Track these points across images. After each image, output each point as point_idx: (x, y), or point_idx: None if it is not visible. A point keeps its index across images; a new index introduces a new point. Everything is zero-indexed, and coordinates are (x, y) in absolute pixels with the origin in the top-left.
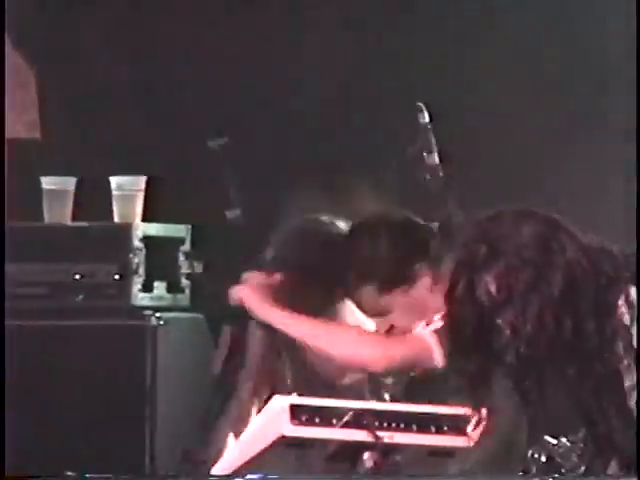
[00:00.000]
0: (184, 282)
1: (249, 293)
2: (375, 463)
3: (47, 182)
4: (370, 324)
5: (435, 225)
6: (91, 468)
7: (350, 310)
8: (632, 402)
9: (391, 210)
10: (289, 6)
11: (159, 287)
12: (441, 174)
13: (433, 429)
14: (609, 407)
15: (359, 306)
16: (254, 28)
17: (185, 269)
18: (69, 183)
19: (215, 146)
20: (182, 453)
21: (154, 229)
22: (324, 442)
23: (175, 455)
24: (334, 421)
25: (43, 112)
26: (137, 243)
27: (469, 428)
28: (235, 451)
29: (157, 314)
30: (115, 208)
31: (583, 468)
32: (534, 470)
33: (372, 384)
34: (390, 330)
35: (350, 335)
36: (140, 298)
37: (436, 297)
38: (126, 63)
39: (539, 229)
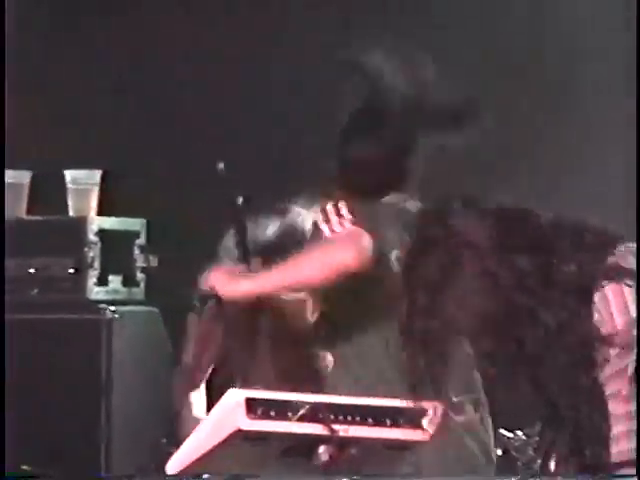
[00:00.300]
0: (139, 276)
1: (219, 276)
2: (331, 456)
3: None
4: None
5: None
6: (45, 462)
7: None
8: (603, 396)
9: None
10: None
11: (114, 281)
12: None
13: (389, 422)
14: (574, 400)
15: None
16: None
17: (140, 263)
18: (24, 177)
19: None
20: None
21: (109, 223)
22: (280, 436)
23: (130, 448)
24: (290, 414)
25: None
26: (92, 237)
27: (425, 421)
28: (191, 445)
29: (112, 308)
30: (70, 202)
31: (539, 462)
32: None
33: None
34: None
35: (320, 252)
36: (95, 292)
37: None
38: (79, 56)
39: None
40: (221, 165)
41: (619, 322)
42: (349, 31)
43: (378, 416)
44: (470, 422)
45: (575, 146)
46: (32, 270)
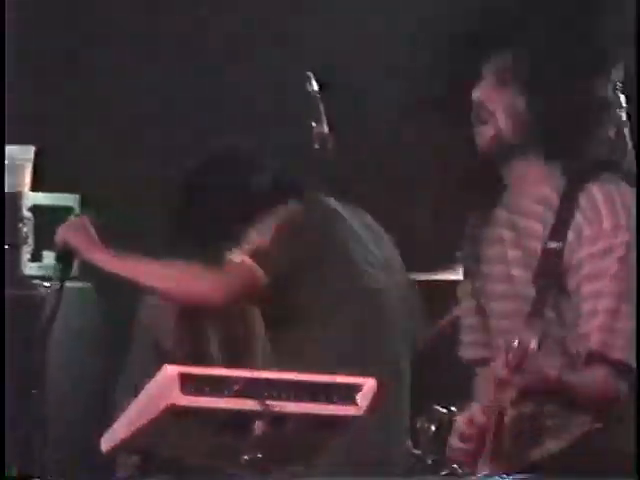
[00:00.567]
0: None
1: (74, 234)
2: (265, 432)
3: None
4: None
5: None
6: None
7: None
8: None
9: None
10: None
11: (48, 256)
12: (330, 143)
13: (323, 398)
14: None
15: None
16: None
17: None
18: None
19: None
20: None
21: (43, 198)
22: (214, 411)
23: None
24: (224, 390)
25: None
26: (26, 212)
27: (359, 397)
28: (124, 421)
29: (46, 283)
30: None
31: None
32: (423, 440)
33: None
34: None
35: (190, 270)
36: (29, 267)
37: None
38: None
39: None
40: None
41: (606, 224)
42: None
43: (312, 392)
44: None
45: None
46: None
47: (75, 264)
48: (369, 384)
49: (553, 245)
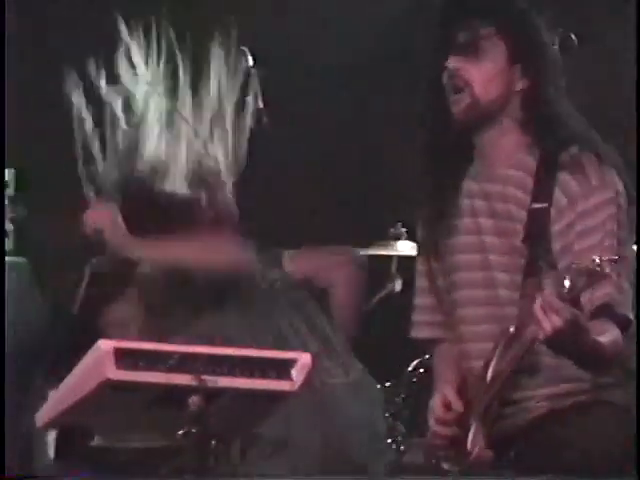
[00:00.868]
0: (8, 226)
1: (109, 223)
2: (200, 407)
3: None
4: None
5: None
6: None
7: None
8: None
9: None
10: None
11: None
12: (265, 118)
13: (258, 373)
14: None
15: None
16: None
17: (9, 213)
18: None
19: None
20: None
21: None
22: (149, 386)
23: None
24: (159, 365)
25: None
26: None
27: (294, 372)
28: (59, 396)
29: None
30: None
31: (408, 412)
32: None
33: None
34: None
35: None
36: None
37: None
38: None
39: None
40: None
41: (594, 180)
42: None
43: (248, 367)
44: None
45: None
46: None
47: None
48: (304, 359)
49: (538, 206)
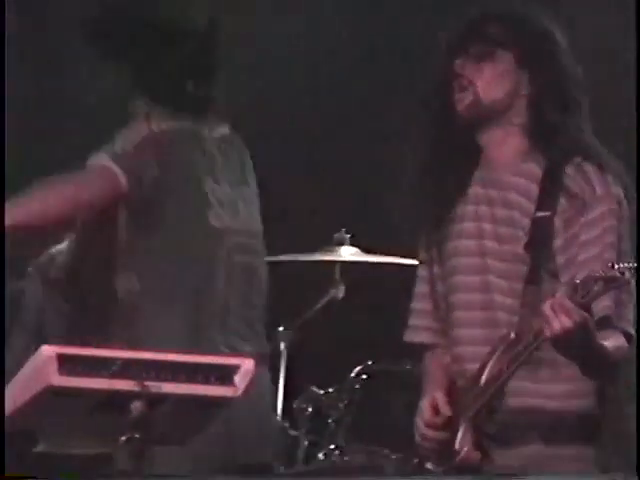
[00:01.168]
0: None
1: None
2: (142, 413)
3: None
4: None
5: None
6: None
7: None
8: None
9: None
10: None
11: None
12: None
13: (201, 379)
14: None
15: None
16: None
17: None
18: None
19: None
20: None
21: None
22: (92, 392)
23: None
24: (102, 371)
25: None
26: None
27: (237, 378)
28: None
29: None
30: None
31: (350, 418)
32: (301, 421)
33: None
34: None
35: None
36: None
37: None
38: None
39: None
40: None
41: (599, 190)
42: None
43: (190, 372)
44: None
45: None
46: None
47: None
48: (247, 365)
49: (542, 214)
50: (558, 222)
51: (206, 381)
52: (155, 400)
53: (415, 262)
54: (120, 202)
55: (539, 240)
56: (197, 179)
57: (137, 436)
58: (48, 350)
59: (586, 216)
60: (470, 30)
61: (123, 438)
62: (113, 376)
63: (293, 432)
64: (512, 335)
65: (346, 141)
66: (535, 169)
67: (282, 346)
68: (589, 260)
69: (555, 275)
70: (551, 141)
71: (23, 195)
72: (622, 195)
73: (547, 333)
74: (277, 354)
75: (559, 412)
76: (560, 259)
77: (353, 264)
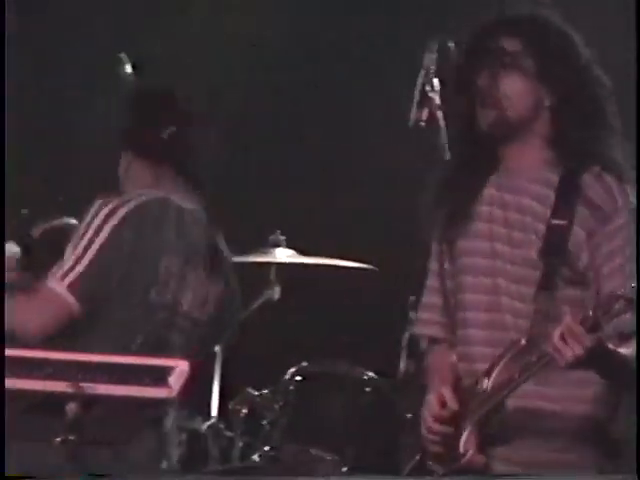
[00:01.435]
0: None
1: None
2: (77, 414)
3: None
4: None
5: None
6: None
7: None
8: None
9: None
10: None
11: None
12: None
13: (136, 380)
14: None
15: None
16: None
17: None
18: None
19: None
20: None
21: None
22: (27, 393)
23: None
24: (37, 372)
25: None
26: None
27: (171, 379)
28: None
29: None
30: None
31: (285, 420)
32: (236, 423)
33: None
34: None
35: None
36: None
37: None
38: None
39: None
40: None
41: (620, 201)
42: None
43: (125, 374)
44: None
45: None
46: None
47: None
48: (181, 366)
49: (558, 222)
50: (580, 232)
51: (141, 382)
52: (90, 402)
53: (350, 264)
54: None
55: (554, 247)
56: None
57: (72, 438)
58: None
59: (608, 227)
60: (488, 43)
61: (58, 439)
62: (48, 377)
63: (228, 433)
64: (523, 341)
65: (281, 142)
66: (552, 176)
67: (217, 347)
68: (613, 273)
69: (572, 283)
70: (570, 151)
71: None
72: (635, 202)
73: (560, 363)
74: (212, 355)
75: (560, 415)
76: (585, 269)
77: (288, 266)
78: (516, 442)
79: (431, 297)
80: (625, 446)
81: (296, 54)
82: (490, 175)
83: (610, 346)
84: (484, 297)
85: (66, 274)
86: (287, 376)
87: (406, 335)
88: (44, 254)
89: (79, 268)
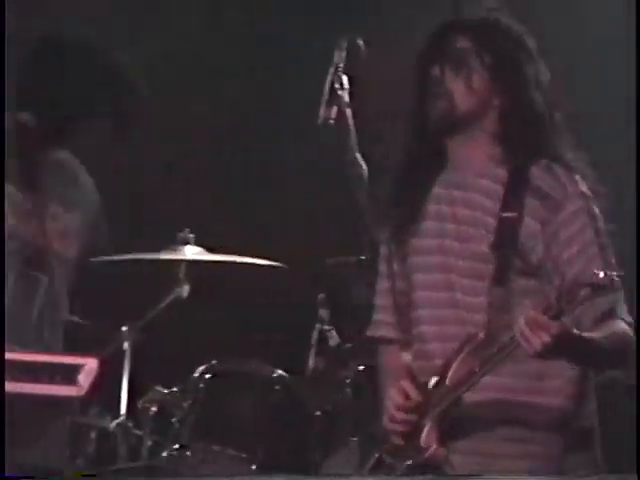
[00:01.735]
0: None
1: None
2: None
3: None
4: None
5: None
6: None
7: None
8: None
9: None
10: None
11: None
12: None
13: (45, 378)
14: None
15: None
16: None
17: None
18: None
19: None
20: None
21: None
22: None
23: None
24: None
25: None
26: None
27: (80, 377)
28: None
29: None
30: None
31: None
32: (145, 421)
33: None
34: None
35: None
36: None
37: None
38: None
39: None
40: None
41: (570, 189)
42: None
43: (34, 372)
44: None
45: None
46: None
47: None
48: (90, 364)
49: (508, 214)
50: (533, 224)
51: (50, 380)
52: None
53: (259, 261)
54: None
55: (505, 239)
56: None
57: None
58: None
59: (561, 214)
60: (444, 40)
61: None
62: None
63: (137, 431)
64: (481, 335)
65: (190, 141)
66: (500, 171)
67: (126, 345)
68: (572, 259)
69: (526, 274)
70: (518, 147)
71: None
72: (590, 193)
73: (529, 351)
74: (121, 353)
75: (521, 406)
76: (541, 260)
77: (197, 263)
78: (478, 434)
79: (382, 299)
80: (589, 437)
81: (210, 52)
82: (439, 173)
83: (575, 331)
84: (437, 294)
85: None
86: (196, 374)
87: (315, 332)
88: None
89: None
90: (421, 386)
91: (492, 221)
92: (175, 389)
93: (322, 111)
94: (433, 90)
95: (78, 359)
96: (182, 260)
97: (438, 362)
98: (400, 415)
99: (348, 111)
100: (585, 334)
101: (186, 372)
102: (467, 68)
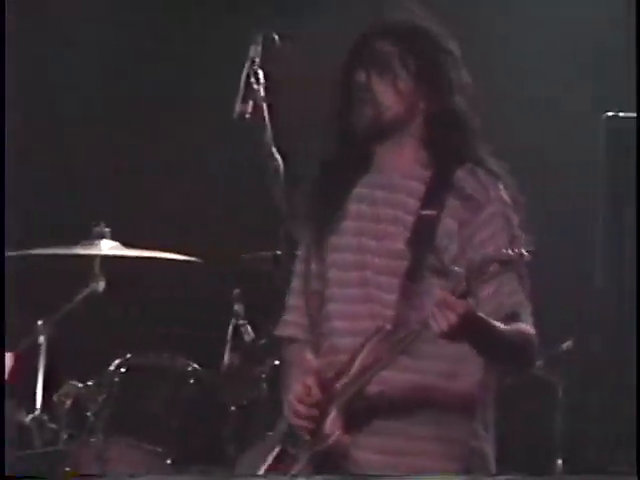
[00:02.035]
0: None
1: None
2: None
3: None
4: None
5: None
6: None
7: None
8: None
9: None
10: None
11: None
12: None
13: None
14: None
15: None
16: None
17: None
18: None
19: None
20: None
21: None
22: None
23: None
24: None
25: None
26: None
27: None
28: None
29: None
30: None
31: (109, 412)
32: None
33: None
34: None
35: None
36: None
37: None
38: None
39: None
40: None
41: (491, 192)
42: None
43: None
44: None
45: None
46: None
47: None
48: (5, 358)
49: (427, 212)
50: (451, 223)
51: None
52: None
53: (175, 256)
54: None
55: (421, 237)
56: None
57: None
58: None
59: (481, 215)
60: (368, 44)
61: None
62: None
63: (52, 425)
64: (387, 327)
65: (108, 136)
66: (426, 173)
67: (41, 339)
68: (484, 243)
69: (439, 273)
70: (444, 152)
71: None
72: (507, 197)
73: (436, 331)
74: (37, 347)
75: (431, 389)
76: (453, 260)
77: (113, 258)
78: (386, 417)
79: (294, 299)
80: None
81: (124, 49)
82: (361, 176)
83: (481, 314)
84: (351, 290)
85: None
86: (111, 368)
87: (230, 328)
88: None
89: None
90: (326, 381)
91: (410, 219)
92: (90, 383)
93: (238, 106)
94: (359, 96)
95: None
96: (97, 255)
97: (345, 356)
98: (303, 408)
99: (264, 105)
100: (490, 320)
101: (101, 366)
102: (392, 73)
